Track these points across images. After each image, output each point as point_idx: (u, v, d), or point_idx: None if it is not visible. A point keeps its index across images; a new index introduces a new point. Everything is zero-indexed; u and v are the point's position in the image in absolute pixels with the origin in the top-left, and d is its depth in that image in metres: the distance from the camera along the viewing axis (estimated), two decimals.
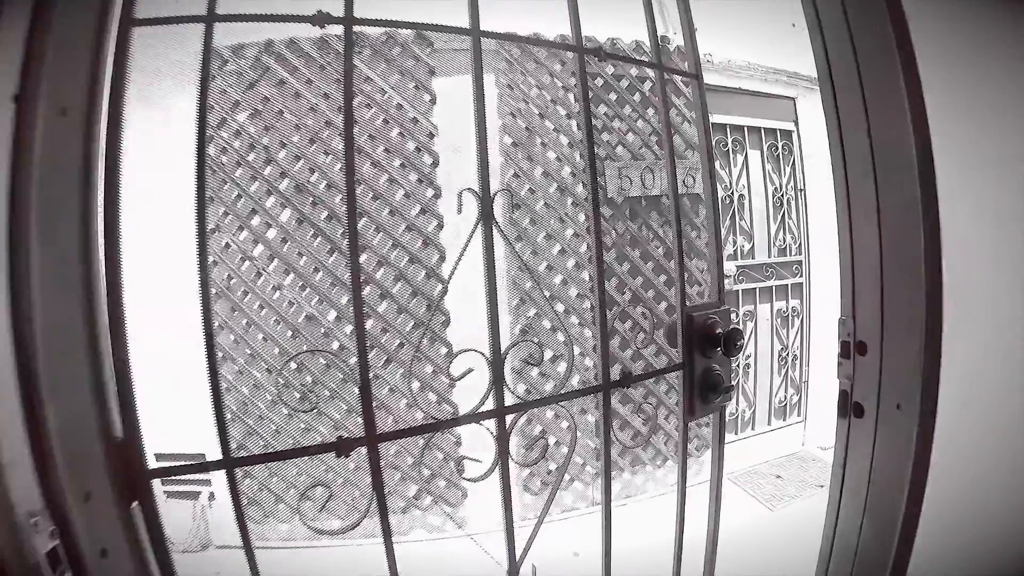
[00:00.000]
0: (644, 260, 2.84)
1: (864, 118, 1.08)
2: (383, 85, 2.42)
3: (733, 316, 3.22)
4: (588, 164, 1.01)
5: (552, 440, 2.63)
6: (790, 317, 3.48)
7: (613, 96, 2.85)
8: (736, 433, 3.30)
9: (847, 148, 1.14)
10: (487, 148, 0.94)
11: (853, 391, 1.17)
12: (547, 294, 2.58)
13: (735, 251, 3.19)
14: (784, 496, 3.00)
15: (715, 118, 3.15)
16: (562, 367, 2.57)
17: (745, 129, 3.31)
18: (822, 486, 3.09)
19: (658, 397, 2.88)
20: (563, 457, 2.62)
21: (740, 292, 3.20)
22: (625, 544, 1.45)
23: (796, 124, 3.58)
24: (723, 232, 3.05)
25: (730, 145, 3.21)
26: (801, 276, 3.51)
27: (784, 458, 3.46)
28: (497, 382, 0.95)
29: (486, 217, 0.93)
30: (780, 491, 3.06)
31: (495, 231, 0.93)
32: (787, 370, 3.49)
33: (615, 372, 1.55)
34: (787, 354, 3.48)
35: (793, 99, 3.59)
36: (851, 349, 1.19)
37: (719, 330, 1.19)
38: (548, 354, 2.55)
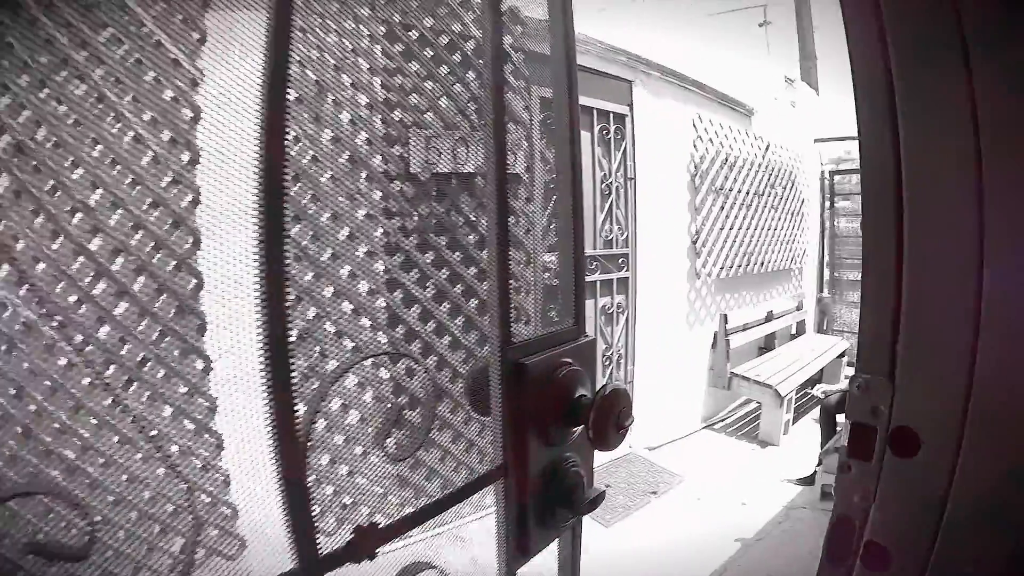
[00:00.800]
0: (452, 249, 2.86)
1: None
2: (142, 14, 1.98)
3: (554, 315, 3.40)
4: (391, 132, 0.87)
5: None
6: (615, 314, 3.71)
7: (429, 52, 2.69)
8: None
9: None
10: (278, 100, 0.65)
11: None
12: (330, 290, 2.47)
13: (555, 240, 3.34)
14: (616, 507, 3.23)
15: (543, 91, 3.17)
16: (350, 382, 2.50)
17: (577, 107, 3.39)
18: (654, 492, 3.44)
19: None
20: None
21: None
22: None
23: (631, 109, 3.69)
24: (543, 220, 3.19)
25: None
26: (627, 270, 3.76)
27: (612, 462, 3.77)
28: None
29: (265, 194, 0.66)
30: (611, 501, 3.26)
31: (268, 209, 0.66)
32: (611, 370, 3.74)
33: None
34: (612, 353, 3.72)
35: (630, 82, 3.69)
36: None
37: (581, 392, 0.80)
38: (332, 364, 2.48)
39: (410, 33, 2.49)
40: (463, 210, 2.79)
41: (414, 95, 2.55)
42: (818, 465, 3.57)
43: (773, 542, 3.05)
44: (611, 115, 3.54)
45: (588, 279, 3.45)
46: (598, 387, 0.82)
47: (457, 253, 2.80)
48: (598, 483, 3.09)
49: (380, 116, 2.44)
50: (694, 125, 4.31)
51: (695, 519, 3.22)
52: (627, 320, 3.75)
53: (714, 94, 4.62)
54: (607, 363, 3.65)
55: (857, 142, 0.81)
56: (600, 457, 3.57)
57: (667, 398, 4.20)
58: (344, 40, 2.32)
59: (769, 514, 3.31)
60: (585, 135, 3.43)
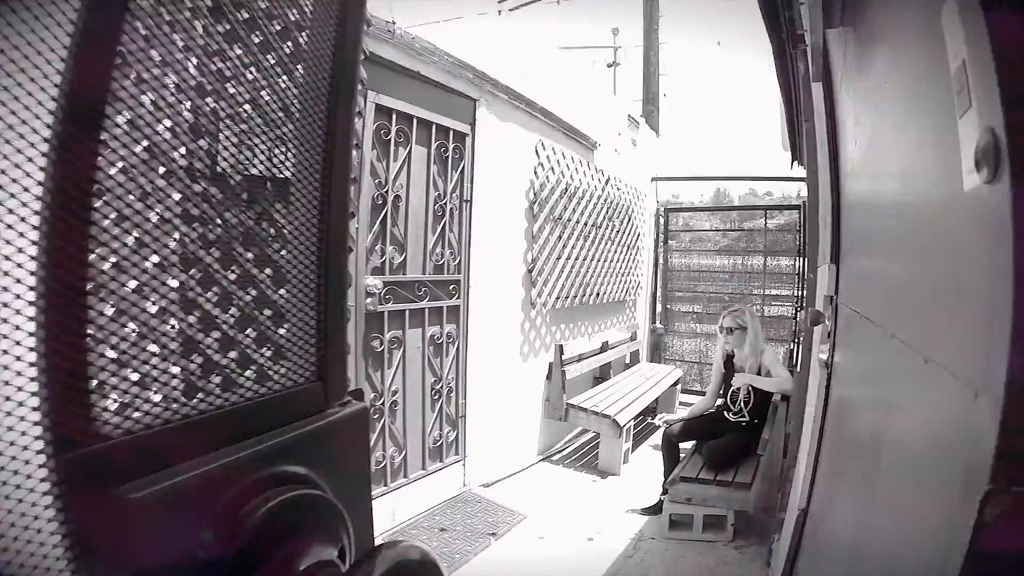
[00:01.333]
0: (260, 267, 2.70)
1: None
2: None
3: (377, 344, 3.04)
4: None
5: None
6: (444, 344, 3.63)
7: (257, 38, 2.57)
8: (386, 484, 3.26)
9: None
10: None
11: None
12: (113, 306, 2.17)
13: (383, 263, 3.16)
14: (455, 553, 3.10)
15: (381, 99, 3.03)
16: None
17: (415, 121, 3.28)
18: (493, 534, 3.34)
19: None
20: None
21: (387, 313, 3.17)
22: None
23: (473, 128, 3.73)
24: (368, 239, 3.14)
25: (393, 135, 3.14)
26: (459, 297, 3.72)
27: (446, 503, 3.65)
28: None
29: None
30: (450, 547, 3.15)
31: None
32: (441, 404, 3.65)
33: None
34: (442, 386, 3.64)
35: (475, 100, 3.74)
36: None
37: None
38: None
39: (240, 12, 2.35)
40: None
41: (232, 83, 2.40)
42: (663, 494, 3.73)
43: None
44: (451, 132, 3.58)
45: (415, 306, 3.37)
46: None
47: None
48: (432, 527, 3.04)
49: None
50: (536, 151, 4.49)
51: (540, 560, 3.18)
52: (458, 351, 3.75)
53: (559, 123, 4.86)
54: (436, 397, 3.63)
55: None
56: (433, 498, 3.53)
57: (502, 431, 4.23)
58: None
59: (618, 548, 3.38)
60: (422, 151, 3.40)
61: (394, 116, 3.17)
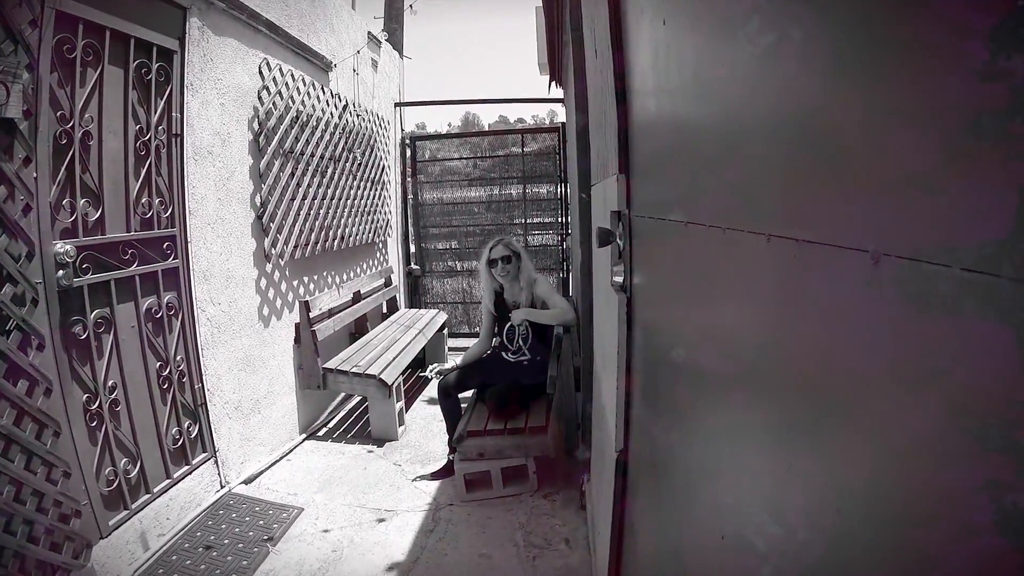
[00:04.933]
0: None
1: None
2: None
3: (80, 329, 2.68)
4: None
5: None
6: (166, 318, 3.37)
7: None
8: (126, 507, 3.02)
9: None
10: None
11: None
12: None
13: (75, 222, 2.82)
14: (231, 573, 2.93)
15: (65, 5, 2.63)
16: None
17: (108, 34, 2.93)
18: (270, 539, 3.22)
19: None
20: None
21: (87, 287, 2.85)
22: None
23: (182, 44, 3.46)
24: (53, 192, 2.73)
25: (79, 52, 2.77)
26: (176, 257, 3.46)
27: (206, 514, 3.44)
28: None
29: None
30: (222, 567, 2.99)
31: None
32: (174, 393, 3.41)
33: None
34: (170, 371, 3.38)
35: (185, 9, 3.45)
36: None
37: None
38: None
39: None
40: None
41: None
42: (451, 453, 3.91)
43: (433, 556, 3.16)
44: (155, 49, 3.18)
45: (121, 274, 3.07)
46: None
47: None
48: (196, 548, 2.94)
49: None
50: (261, 73, 4.27)
51: (330, 559, 3.15)
52: (184, 324, 3.49)
53: (288, 39, 4.66)
54: (166, 386, 3.34)
55: None
56: (189, 511, 3.40)
57: (254, 414, 4.14)
58: None
59: (414, 524, 3.48)
60: (117, 73, 3.02)
61: (81, 27, 2.77)
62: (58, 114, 2.72)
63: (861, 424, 0.51)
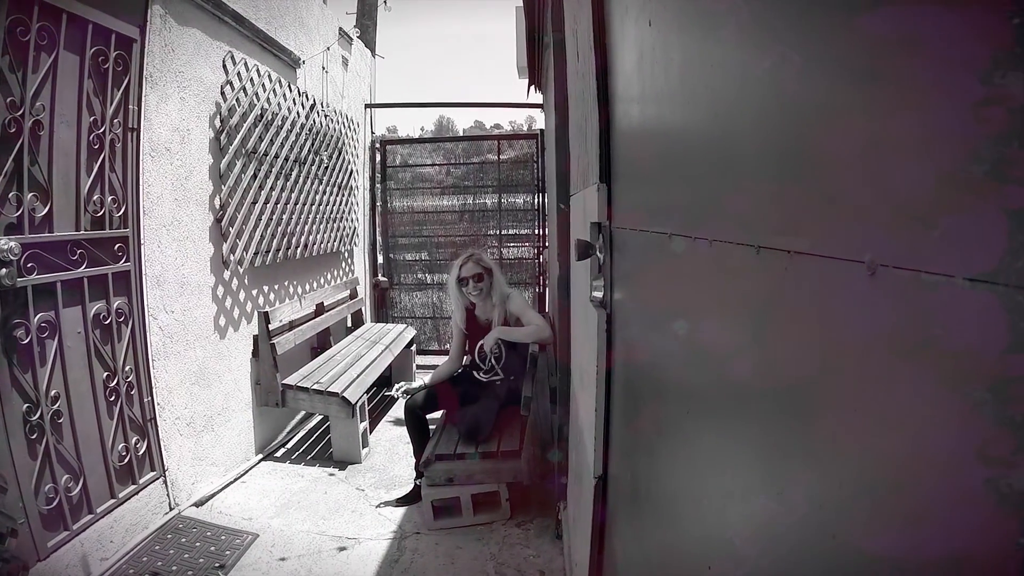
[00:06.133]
0: None
1: None
2: None
3: (22, 333, 2.62)
4: None
5: None
6: (115, 325, 3.34)
7: None
8: (66, 528, 2.95)
9: None
10: None
11: None
12: None
13: (20, 217, 2.77)
14: None
15: None
16: None
17: (64, 17, 2.91)
18: (221, 567, 3.14)
19: None
20: None
21: (31, 289, 2.80)
22: None
23: (143, 33, 3.46)
24: None
25: (33, 36, 2.74)
26: (129, 260, 3.43)
27: (153, 538, 3.38)
28: None
29: None
30: None
31: None
32: (122, 406, 3.36)
33: None
34: (118, 383, 3.34)
35: None
36: None
37: None
38: None
39: None
40: None
41: None
42: (418, 478, 3.88)
43: None
44: (114, 36, 3.18)
45: (69, 275, 3.03)
46: None
47: None
48: (143, 571, 2.83)
49: None
50: (225, 67, 4.27)
51: None
52: (134, 332, 3.44)
53: (255, 33, 4.67)
54: (113, 398, 3.27)
55: None
56: (134, 533, 3.34)
57: (207, 431, 4.09)
58: None
59: (378, 553, 3.45)
60: (73, 60, 3.01)
61: (36, 9, 2.76)
62: (8, 100, 2.70)
63: (858, 446, 0.50)
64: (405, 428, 4.23)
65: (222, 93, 4.27)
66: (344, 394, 4.59)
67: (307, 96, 5.57)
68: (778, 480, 0.68)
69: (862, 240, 0.49)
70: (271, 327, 4.73)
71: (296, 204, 5.35)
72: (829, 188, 0.55)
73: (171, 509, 3.69)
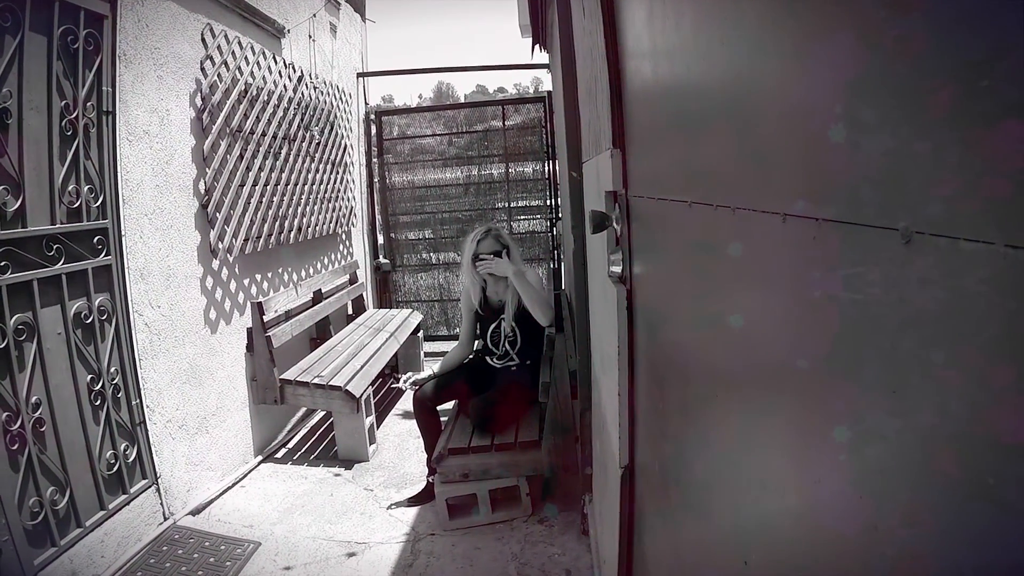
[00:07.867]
0: None
1: None
2: None
3: None
4: None
5: None
6: (98, 324, 3.35)
7: None
8: (53, 543, 2.98)
9: None
10: None
11: None
12: None
13: None
14: None
15: None
16: None
17: (28, 3, 2.90)
18: None
19: None
20: None
21: (5, 289, 2.83)
22: None
23: (114, 9, 3.44)
24: None
25: None
26: (109, 254, 3.45)
27: (147, 551, 3.41)
28: None
29: None
30: None
31: None
32: (108, 411, 3.38)
33: None
34: (103, 386, 3.36)
35: None
36: None
37: None
38: None
39: None
40: None
41: None
42: (431, 475, 3.88)
43: None
44: (83, 13, 3.18)
45: (46, 273, 3.05)
46: None
47: None
48: None
49: None
50: (204, 40, 4.26)
51: None
52: (118, 331, 3.48)
53: (235, 2, 4.66)
54: (99, 402, 3.32)
55: None
56: (127, 547, 3.38)
57: (201, 434, 4.13)
58: None
59: (390, 558, 3.44)
60: (40, 41, 3.01)
61: None
62: None
63: (899, 428, 0.49)
64: (415, 422, 4.22)
65: (202, 69, 4.27)
66: (347, 387, 4.60)
67: (294, 68, 5.56)
68: (815, 468, 0.67)
69: (896, 206, 0.48)
70: (266, 318, 4.75)
71: (287, 185, 5.36)
72: (860, 151, 0.54)
73: (165, 519, 3.73)
